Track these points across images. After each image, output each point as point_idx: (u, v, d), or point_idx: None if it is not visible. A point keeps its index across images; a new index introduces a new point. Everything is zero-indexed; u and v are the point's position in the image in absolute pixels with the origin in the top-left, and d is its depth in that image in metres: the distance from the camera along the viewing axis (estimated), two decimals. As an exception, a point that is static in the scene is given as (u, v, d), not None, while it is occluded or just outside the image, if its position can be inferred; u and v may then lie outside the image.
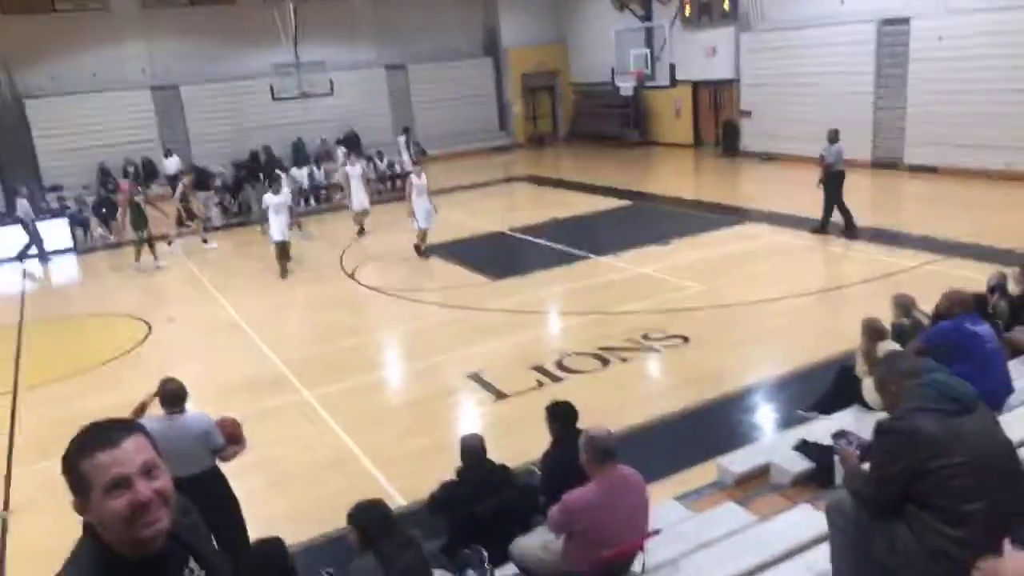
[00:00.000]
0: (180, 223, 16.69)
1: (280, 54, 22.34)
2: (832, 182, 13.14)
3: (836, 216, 13.26)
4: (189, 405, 5.35)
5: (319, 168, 21.75)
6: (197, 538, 1.96)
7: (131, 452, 1.71)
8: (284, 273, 13.43)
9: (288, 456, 7.46)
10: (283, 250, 13.52)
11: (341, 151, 17.66)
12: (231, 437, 5.41)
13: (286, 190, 13.93)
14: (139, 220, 14.88)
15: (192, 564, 1.87)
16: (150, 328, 11.60)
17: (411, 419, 8.09)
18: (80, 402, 8.87)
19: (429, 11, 27.02)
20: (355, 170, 16.09)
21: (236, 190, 20.08)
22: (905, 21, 17.57)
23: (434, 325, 10.81)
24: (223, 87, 24.29)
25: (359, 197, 16.08)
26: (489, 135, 28.25)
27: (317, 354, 10.06)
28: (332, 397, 8.63)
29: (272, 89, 21.86)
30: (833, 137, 13.20)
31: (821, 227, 13.31)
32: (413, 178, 14.27)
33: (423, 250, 14.30)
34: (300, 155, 24.00)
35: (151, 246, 15.22)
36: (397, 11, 26.59)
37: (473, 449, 4.83)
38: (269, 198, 13.42)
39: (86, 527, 1.76)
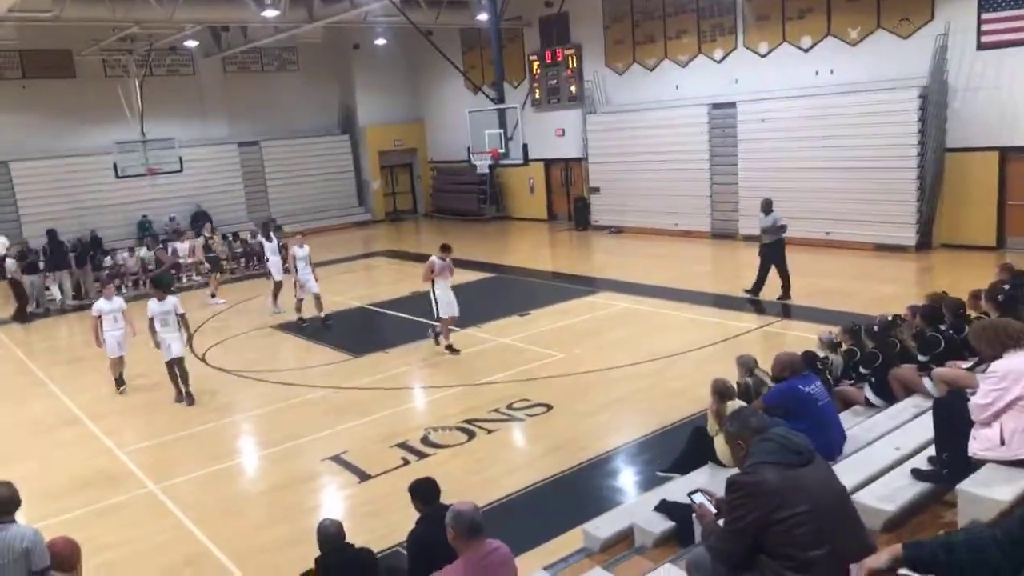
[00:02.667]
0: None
1: (125, 131, 21.51)
2: (770, 249, 13.51)
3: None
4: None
5: (166, 247, 20.77)
6: None
7: None
8: (188, 400, 10.68)
9: (135, 557, 6.88)
10: (173, 373, 10.81)
11: (271, 243, 15.69)
12: (64, 562, 4.47)
13: (171, 298, 10.79)
14: None
15: None
16: (-23, 427, 10.51)
17: (269, 508, 7.69)
18: None
19: (284, 89, 26.95)
20: (302, 251, 14.33)
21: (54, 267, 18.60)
22: (732, 105, 19.25)
23: (292, 407, 10.43)
24: (60, 164, 22.95)
25: (309, 279, 14.32)
26: (348, 211, 28.16)
27: (164, 443, 9.45)
28: (182, 489, 8.10)
29: (115, 166, 20.90)
30: (766, 207, 13.59)
31: (754, 290, 13.71)
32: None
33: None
34: (146, 233, 22.88)
35: None
36: (250, 88, 26.34)
37: (330, 535, 4.66)
38: (155, 305, 10.61)
39: None
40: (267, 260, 16.04)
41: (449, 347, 12.15)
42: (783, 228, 13.43)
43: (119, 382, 11.52)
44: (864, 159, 16.65)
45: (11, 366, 13.61)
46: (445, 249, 12.11)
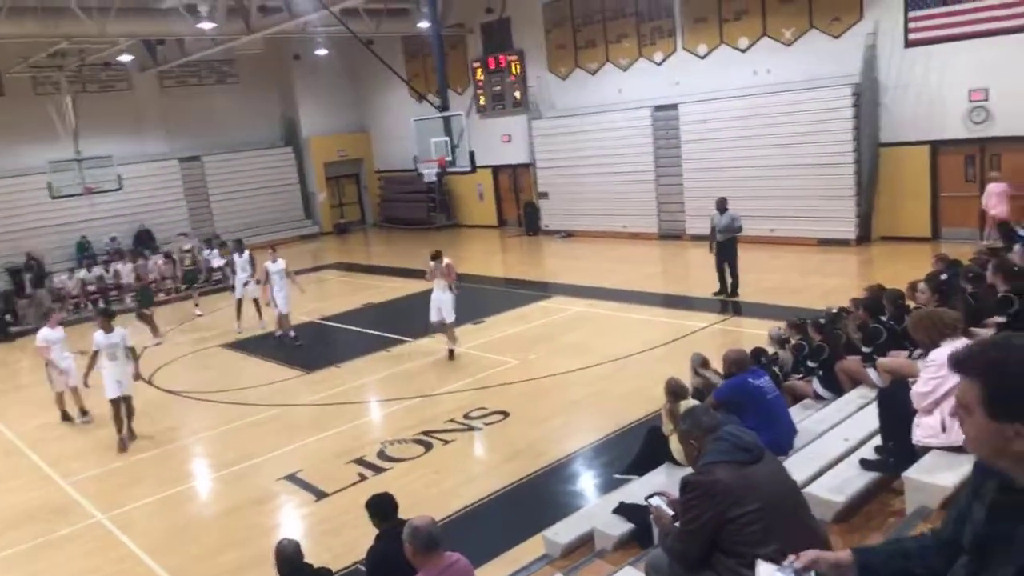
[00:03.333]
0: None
1: (58, 149, 20.88)
2: (723, 248, 13.68)
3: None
4: None
5: (108, 269, 20.25)
6: None
7: None
8: (123, 445, 9.70)
9: (82, 591, 6.67)
10: (118, 413, 9.81)
11: (244, 256, 15.06)
12: None
13: (119, 330, 9.86)
14: None
15: None
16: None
17: (225, 532, 7.52)
18: None
19: (224, 102, 26.47)
20: (276, 266, 13.83)
21: (7, 301, 18.10)
22: (674, 107, 19.54)
23: (243, 427, 10.23)
24: (-10, 185, 22.12)
25: (281, 296, 13.84)
26: (294, 224, 27.78)
27: (112, 471, 9.18)
28: (132, 517, 7.89)
29: (50, 186, 20.27)
30: (721, 206, 13.72)
31: (721, 291, 13.82)
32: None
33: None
34: (85, 255, 22.24)
35: None
36: (188, 102, 25.80)
37: (288, 555, 4.58)
38: (100, 338, 9.65)
39: None
40: (232, 276, 15.56)
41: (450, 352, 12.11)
42: (739, 228, 13.66)
43: (64, 415, 11.00)
44: (803, 156, 17.06)
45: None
46: (435, 256, 12.12)
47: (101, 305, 9.71)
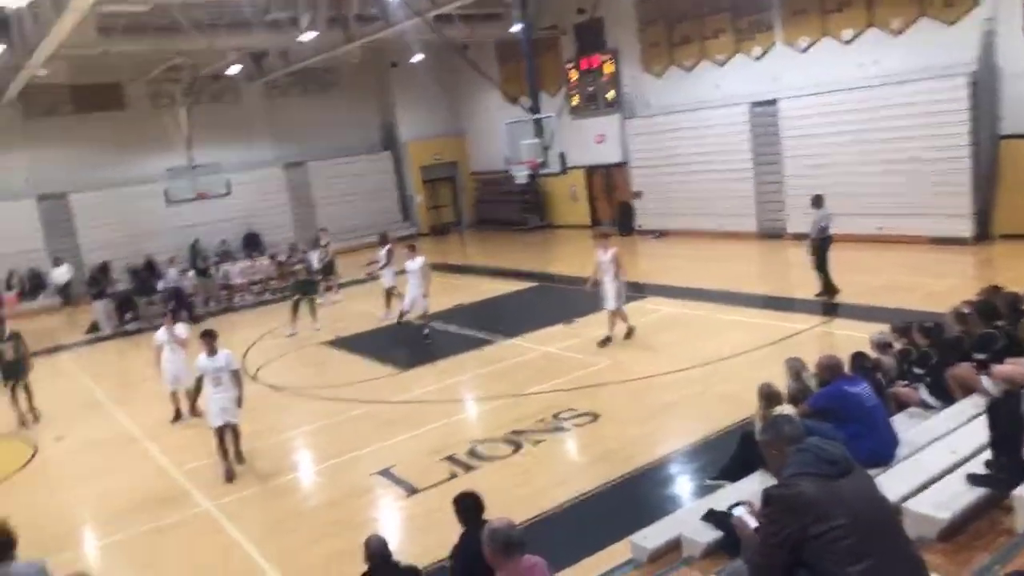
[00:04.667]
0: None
1: (174, 158, 22.13)
2: (819, 246, 13.23)
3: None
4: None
5: (217, 269, 21.30)
6: None
7: None
8: (229, 475, 8.99)
9: (191, 575, 7.03)
10: (223, 442, 9.15)
11: (384, 250, 16.00)
12: None
13: (223, 353, 9.20)
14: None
15: None
16: (36, 449, 10.87)
17: (321, 523, 7.78)
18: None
19: (326, 110, 27.40)
20: (414, 264, 14.19)
21: (128, 301, 19.34)
22: (773, 103, 18.93)
23: (341, 422, 10.56)
24: (114, 193, 23.68)
25: (411, 295, 14.22)
26: (392, 226, 28.29)
27: (218, 462, 9.63)
28: (236, 506, 8.25)
29: (166, 193, 21.50)
30: (817, 202, 13.31)
31: (824, 291, 13.30)
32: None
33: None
34: (198, 257, 23.46)
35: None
36: (293, 111, 26.86)
37: (376, 551, 4.70)
38: (204, 361, 9.13)
39: None
40: (382, 268, 16.23)
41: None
42: (824, 228, 13.11)
43: (177, 414, 11.26)
44: (914, 150, 16.20)
45: (73, 388, 14.04)
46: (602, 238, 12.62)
47: (206, 328, 9.54)
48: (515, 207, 27.33)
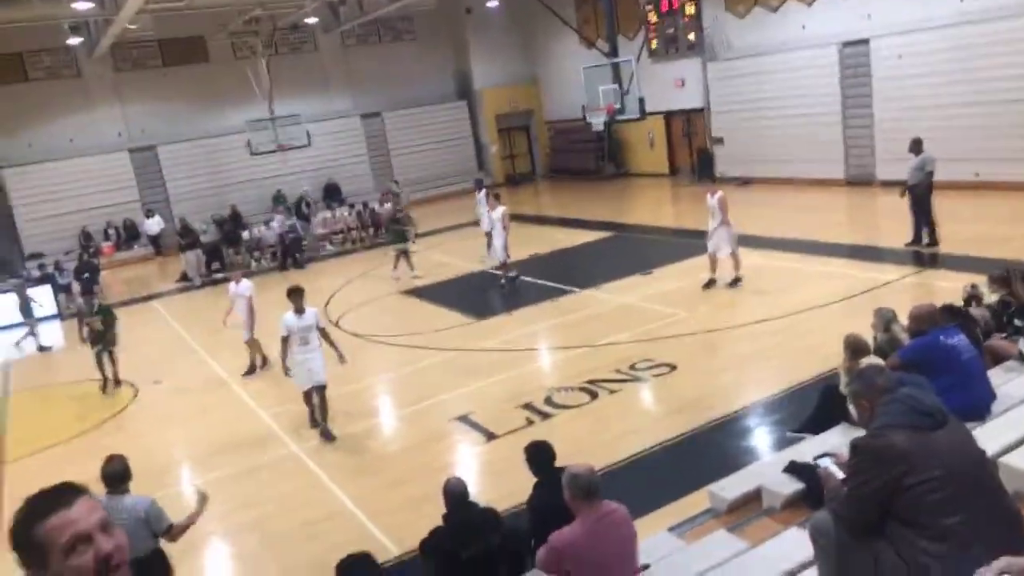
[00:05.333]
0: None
1: (255, 110, 22.59)
2: (914, 193, 12.71)
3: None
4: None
5: (300, 218, 21.85)
6: None
7: (85, 511, 1.71)
8: (327, 435, 8.77)
9: (279, 514, 7.38)
10: (309, 400, 8.97)
11: (481, 194, 16.58)
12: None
13: (311, 310, 8.77)
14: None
15: None
16: (136, 391, 11.51)
17: (402, 467, 8.03)
18: (69, 470, 8.73)
19: (401, 59, 27.43)
20: (495, 213, 14.34)
21: (215, 252, 20.10)
22: (865, 42, 17.97)
23: (420, 369, 10.79)
24: (200, 145, 24.47)
25: (497, 243, 14.27)
26: (468, 176, 28.44)
27: (304, 407, 9.99)
28: (321, 450, 8.57)
29: (249, 144, 22.03)
30: (916, 147, 12.71)
31: (915, 240, 12.85)
32: (492, 213, 14.44)
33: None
34: (281, 206, 24.09)
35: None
36: (369, 60, 26.98)
37: (455, 494, 4.81)
38: (291, 320, 8.59)
39: None
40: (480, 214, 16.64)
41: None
42: (928, 172, 12.46)
43: (251, 367, 11.42)
44: (1016, 91, 15.17)
45: (166, 335, 14.75)
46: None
47: (294, 284, 8.89)
48: (590, 155, 26.98)
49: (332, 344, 8.84)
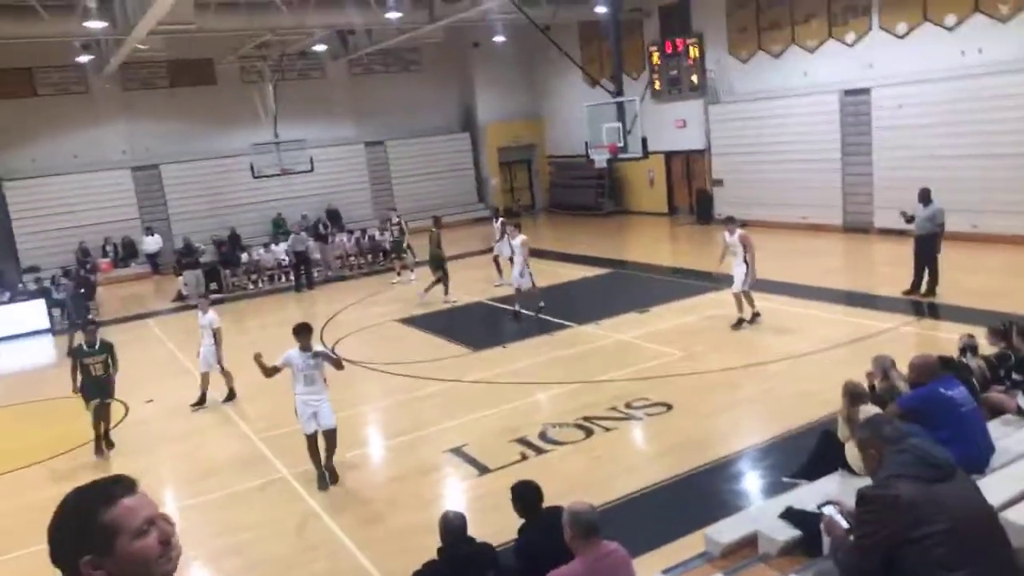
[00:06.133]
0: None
1: (260, 133, 22.71)
2: (922, 243, 12.74)
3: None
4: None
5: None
6: None
7: (147, 498, 1.82)
8: (325, 481, 8.18)
9: (266, 538, 7.28)
10: (315, 448, 8.25)
11: (498, 223, 17.21)
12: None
13: (320, 348, 8.42)
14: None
15: None
16: (127, 410, 11.39)
17: (392, 497, 7.94)
18: (55, 488, 8.63)
19: (407, 89, 27.69)
20: (515, 241, 14.35)
21: (213, 273, 20.10)
22: (866, 91, 18.22)
23: (414, 399, 10.72)
24: (203, 166, 24.57)
25: (515, 270, 14.28)
26: (467, 207, 28.62)
27: (297, 431, 9.88)
28: (312, 476, 8.46)
29: (252, 167, 22.12)
30: (924, 197, 12.79)
31: (913, 289, 12.85)
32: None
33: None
34: (280, 231, 24.13)
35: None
36: (375, 89, 27.23)
37: (454, 527, 4.74)
38: (295, 356, 7.98)
39: None
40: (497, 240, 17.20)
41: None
42: (940, 224, 12.56)
43: (201, 399, 11.06)
44: (1015, 144, 15.37)
45: (160, 354, 14.65)
46: (730, 223, 12.49)
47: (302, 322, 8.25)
48: (590, 192, 27.15)
49: (330, 357, 8.17)
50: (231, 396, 11.28)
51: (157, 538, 1.78)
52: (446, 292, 16.12)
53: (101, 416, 9.62)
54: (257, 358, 7.87)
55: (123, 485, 1.82)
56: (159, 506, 1.84)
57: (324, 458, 8.22)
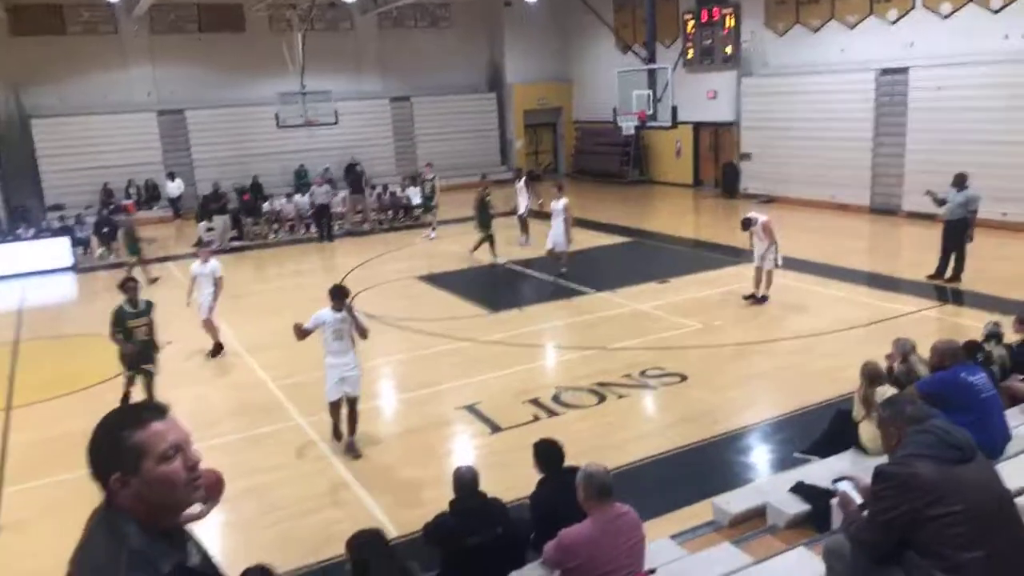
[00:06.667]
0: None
1: (286, 83, 22.59)
2: (952, 228, 12.53)
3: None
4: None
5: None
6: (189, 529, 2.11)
7: (176, 425, 1.89)
8: (353, 449, 7.87)
9: (281, 483, 7.40)
10: (337, 415, 8.03)
11: (521, 183, 17.13)
12: (209, 491, 4.86)
13: (338, 312, 7.68)
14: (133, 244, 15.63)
15: (191, 544, 2.00)
16: (146, 349, 11.52)
17: (406, 450, 8.04)
18: (72, 423, 8.79)
19: (435, 45, 27.42)
20: (558, 205, 14.33)
21: (236, 220, 20.22)
22: (904, 71, 17.85)
23: (429, 356, 10.79)
24: (228, 113, 24.52)
25: (554, 232, 14.37)
26: (490, 168, 28.43)
27: (312, 380, 9.97)
28: (326, 425, 8.56)
29: (277, 117, 22.07)
30: (959, 182, 12.54)
31: (938, 273, 12.70)
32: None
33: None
34: (302, 182, 24.16)
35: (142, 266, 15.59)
36: (403, 44, 26.98)
37: (466, 482, 4.80)
38: (326, 314, 7.64)
39: (109, 507, 1.83)
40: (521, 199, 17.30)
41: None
42: (973, 210, 12.37)
43: (217, 347, 11.09)
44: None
45: (180, 298, 14.76)
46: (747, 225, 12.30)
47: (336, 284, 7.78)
48: (615, 159, 26.91)
49: (358, 321, 7.73)
50: (218, 350, 11.15)
51: (183, 464, 1.84)
52: (493, 253, 15.97)
53: (135, 385, 8.80)
54: (296, 328, 7.65)
55: (154, 410, 1.90)
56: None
57: (347, 431, 7.92)
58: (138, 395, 8.74)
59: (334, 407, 7.89)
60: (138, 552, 1.76)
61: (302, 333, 7.66)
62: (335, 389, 7.75)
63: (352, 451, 7.85)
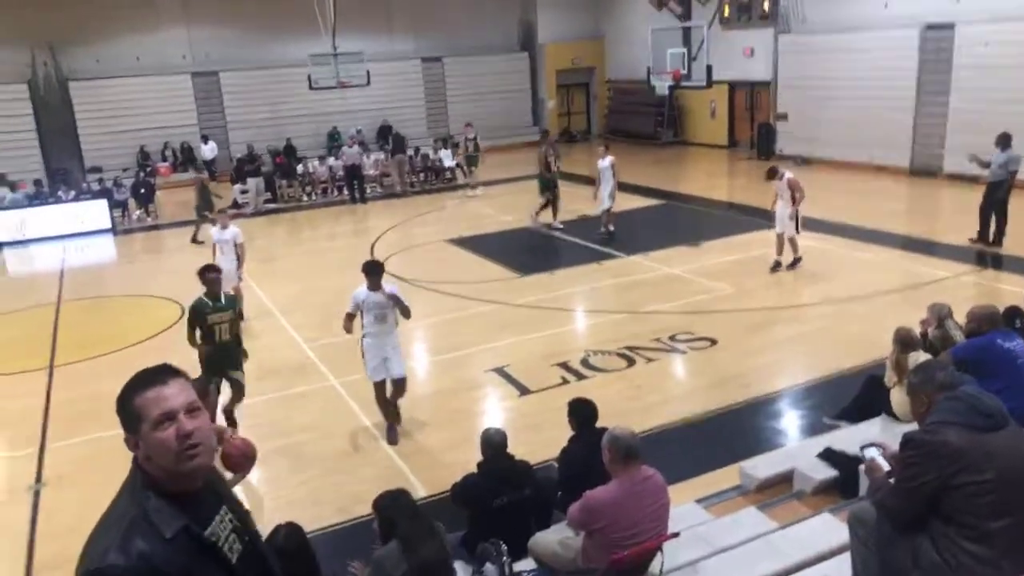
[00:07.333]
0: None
1: (319, 44, 22.51)
2: (993, 189, 12.21)
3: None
4: None
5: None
6: (229, 493, 2.16)
7: (176, 391, 1.91)
8: (392, 435, 7.45)
9: (312, 442, 7.56)
10: (383, 396, 7.46)
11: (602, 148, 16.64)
12: (234, 463, 4.74)
13: (390, 287, 7.29)
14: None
15: (224, 511, 2.02)
16: (183, 311, 11.75)
17: (435, 411, 8.14)
18: (112, 382, 9.01)
19: (466, 5, 27.09)
20: (604, 163, 14.35)
21: (270, 182, 20.38)
22: (950, 27, 17.25)
23: (460, 318, 10.85)
24: (262, 75, 24.58)
25: (605, 191, 14.37)
26: (522, 130, 28.24)
27: (344, 342, 10.09)
28: (358, 385, 8.68)
29: (310, 79, 22.06)
30: (1004, 142, 12.12)
31: (980, 237, 12.41)
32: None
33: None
34: (335, 144, 24.22)
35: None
36: (434, 4, 26.68)
37: (494, 443, 4.86)
38: (362, 294, 7.26)
39: (135, 465, 1.93)
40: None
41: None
42: (1014, 171, 11.98)
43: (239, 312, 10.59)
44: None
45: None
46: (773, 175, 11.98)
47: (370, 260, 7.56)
48: (649, 120, 26.52)
49: (402, 304, 7.25)
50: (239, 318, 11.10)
51: (174, 433, 1.86)
52: (555, 216, 15.59)
53: (233, 401, 7.63)
54: (345, 319, 7.28)
55: (163, 373, 1.94)
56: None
57: (391, 398, 7.49)
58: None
59: (378, 387, 7.36)
60: (142, 515, 1.81)
61: (349, 320, 7.23)
62: (378, 370, 7.26)
63: (391, 435, 7.41)
